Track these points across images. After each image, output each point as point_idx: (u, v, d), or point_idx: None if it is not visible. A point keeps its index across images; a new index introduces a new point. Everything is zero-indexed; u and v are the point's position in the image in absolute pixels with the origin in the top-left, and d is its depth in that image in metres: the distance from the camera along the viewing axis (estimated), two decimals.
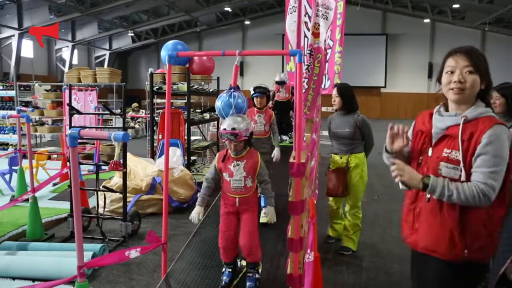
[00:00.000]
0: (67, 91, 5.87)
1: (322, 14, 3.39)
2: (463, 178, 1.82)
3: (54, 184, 6.97)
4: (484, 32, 25.23)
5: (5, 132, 10.99)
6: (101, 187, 4.96)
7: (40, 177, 6.88)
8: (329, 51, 4.78)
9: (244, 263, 3.29)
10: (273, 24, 27.65)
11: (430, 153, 1.95)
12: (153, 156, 7.12)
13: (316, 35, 3.38)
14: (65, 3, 17.90)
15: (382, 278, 3.80)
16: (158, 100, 9.73)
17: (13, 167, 6.68)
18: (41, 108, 11.84)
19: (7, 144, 11.32)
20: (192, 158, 7.29)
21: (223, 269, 3.15)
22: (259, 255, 3.09)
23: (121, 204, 4.82)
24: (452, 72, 1.89)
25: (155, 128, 7.50)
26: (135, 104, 17.73)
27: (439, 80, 2.02)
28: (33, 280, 3.58)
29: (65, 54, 24.03)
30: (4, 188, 6.64)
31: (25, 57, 20.54)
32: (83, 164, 5.37)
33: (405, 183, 1.89)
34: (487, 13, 20.77)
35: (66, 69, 21.79)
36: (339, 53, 4.97)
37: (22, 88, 12.75)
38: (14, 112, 6.43)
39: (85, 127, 6.81)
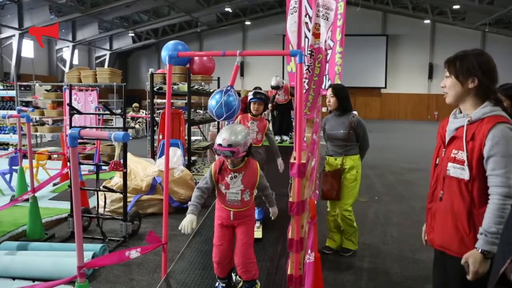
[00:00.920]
0: (67, 91, 5.87)
1: (323, 15, 3.39)
2: (467, 177, 1.88)
3: (55, 184, 6.97)
4: (484, 33, 25.26)
5: (6, 132, 10.99)
6: (101, 187, 4.95)
7: (41, 177, 6.88)
8: (329, 51, 4.78)
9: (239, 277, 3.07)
10: (273, 25, 27.68)
11: (443, 154, 2.05)
12: (153, 156, 7.12)
13: (316, 35, 3.38)
14: (66, 3, 17.93)
15: (383, 279, 3.80)
16: (159, 100, 9.72)
17: (13, 167, 6.68)
18: (41, 108, 11.84)
19: (7, 144, 11.32)
20: (193, 158, 7.29)
21: (217, 284, 2.95)
22: (255, 272, 2.85)
23: (121, 204, 4.82)
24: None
25: (155, 128, 7.50)
26: (135, 104, 17.74)
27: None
28: (33, 280, 3.58)
29: (66, 54, 24.06)
30: (4, 188, 6.63)
31: (25, 57, 20.57)
32: (83, 164, 5.37)
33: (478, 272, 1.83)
34: (487, 14, 20.79)
35: (66, 69, 21.81)
36: (340, 54, 4.97)
37: (22, 88, 12.75)
38: (14, 112, 6.44)
39: (85, 127, 6.82)
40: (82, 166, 5.70)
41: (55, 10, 19.60)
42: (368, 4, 25.57)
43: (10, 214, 5.21)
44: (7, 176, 6.79)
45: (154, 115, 7.43)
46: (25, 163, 5.92)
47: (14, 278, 3.63)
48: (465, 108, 2.00)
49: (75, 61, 24.67)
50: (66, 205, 5.27)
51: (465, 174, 1.89)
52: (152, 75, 7.07)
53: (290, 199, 2.54)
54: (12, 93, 12.31)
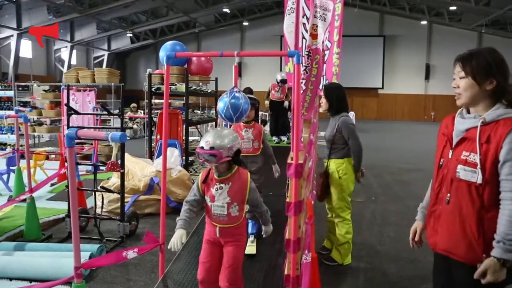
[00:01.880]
0: (65, 92, 5.87)
1: (320, 16, 3.40)
2: (479, 181, 1.80)
3: (52, 185, 6.96)
4: (481, 34, 25.34)
5: (3, 132, 10.98)
6: (99, 188, 4.95)
7: (38, 177, 6.87)
8: (327, 52, 4.79)
9: None
10: (271, 26, 27.71)
11: (450, 155, 1.95)
12: (151, 156, 7.12)
13: (314, 36, 3.39)
14: (64, 4, 17.91)
15: (380, 279, 3.81)
16: (157, 101, 9.73)
17: (11, 167, 6.67)
18: (39, 108, 11.83)
19: (5, 144, 11.30)
20: (190, 158, 7.29)
21: None
22: None
23: (119, 204, 4.82)
24: (454, 79, 1.96)
25: (153, 129, 7.50)
26: (133, 105, 17.73)
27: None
28: (30, 280, 3.57)
29: (64, 54, 24.03)
30: (1, 188, 6.63)
31: (23, 57, 20.54)
32: (81, 164, 5.38)
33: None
34: (484, 15, 20.87)
35: (64, 70, 21.79)
36: (337, 54, 4.98)
37: (20, 88, 12.76)
38: (12, 112, 6.43)
39: (83, 128, 6.81)
40: (80, 166, 5.71)
41: (53, 10, 19.58)
42: (366, 5, 25.62)
43: (8, 214, 5.21)
44: (5, 176, 6.78)
45: (152, 115, 7.43)
46: (23, 163, 5.92)
47: (11, 279, 3.63)
48: (477, 109, 1.91)
49: (73, 61, 24.64)
50: (63, 205, 5.27)
51: (477, 178, 1.80)
52: (150, 75, 7.07)
53: (287, 200, 2.54)
54: (10, 93, 12.30)
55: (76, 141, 5.35)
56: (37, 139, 12.54)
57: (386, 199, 6.72)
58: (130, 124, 15.88)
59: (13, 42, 19.06)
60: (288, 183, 2.59)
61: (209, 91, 8.40)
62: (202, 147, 2.37)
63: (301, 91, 2.98)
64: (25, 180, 5.36)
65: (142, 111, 16.78)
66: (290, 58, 4.38)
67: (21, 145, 7.16)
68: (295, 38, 2.93)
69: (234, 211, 2.49)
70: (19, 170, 5.77)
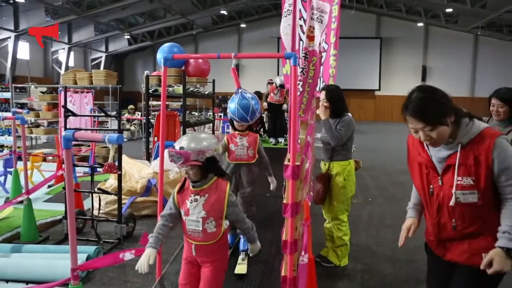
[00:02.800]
0: (62, 93, 5.86)
1: (317, 18, 3.42)
2: (478, 199, 1.86)
3: (49, 186, 6.95)
4: (477, 36, 25.43)
5: (0, 134, 10.95)
6: (96, 189, 4.95)
7: (35, 179, 6.86)
8: (324, 54, 4.81)
9: None
10: (268, 27, 27.74)
11: (441, 183, 1.96)
12: (148, 158, 7.12)
13: (311, 38, 3.41)
14: (62, 5, 17.88)
15: (376, 280, 3.82)
16: (154, 102, 9.72)
17: (8, 169, 6.66)
18: (36, 110, 11.81)
19: (2, 146, 11.27)
20: None
21: None
22: None
23: (116, 206, 4.82)
24: (416, 132, 1.90)
25: (150, 130, 7.50)
26: (131, 106, 17.71)
27: None
28: (27, 282, 3.57)
29: (61, 56, 24.00)
30: None
31: (21, 59, 20.50)
32: (78, 166, 5.37)
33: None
34: (480, 17, 20.95)
35: (62, 71, 21.75)
36: (334, 56, 4.99)
37: (17, 90, 12.71)
38: (9, 114, 6.42)
39: (80, 129, 6.80)
40: (77, 168, 5.70)
41: (51, 12, 19.55)
42: (362, 7, 25.68)
43: (5, 216, 5.20)
44: (2, 178, 6.77)
45: (149, 117, 7.43)
46: (20, 165, 5.91)
47: (7, 281, 3.62)
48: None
49: (71, 63, 24.60)
50: (60, 207, 5.26)
51: (478, 197, 1.86)
52: (147, 77, 7.07)
53: (284, 201, 2.55)
54: (7, 95, 12.27)
55: (74, 142, 5.35)
56: (35, 141, 12.51)
57: (383, 201, 6.74)
58: (127, 126, 15.87)
59: (10, 43, 19.02)
60: (285, 185, 2.60)
61: (206, 92, 8.41)
62: (173, 147, 2.22)
63: (298, 93, 2.99)
64: (22, 182, 5.36)
65: (139, 113, 16.76)
66: (287, 60, 4.40)
67: (18, 147, 7.13)
68: (291, 40, 2.94)
69: (211, 227, 2.23)
70: (16, 172, 5.76)
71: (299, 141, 3.10)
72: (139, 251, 2.97)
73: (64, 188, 4.19)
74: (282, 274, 2.64)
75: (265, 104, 9.64)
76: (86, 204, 5.44)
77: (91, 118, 8.92)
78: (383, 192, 7.35)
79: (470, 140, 1.86)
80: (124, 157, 5.41)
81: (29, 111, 10.76)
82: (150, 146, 7.29)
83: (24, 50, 21.52)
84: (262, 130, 10.45)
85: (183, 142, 2.18)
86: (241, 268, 3.40)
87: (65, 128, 4.66)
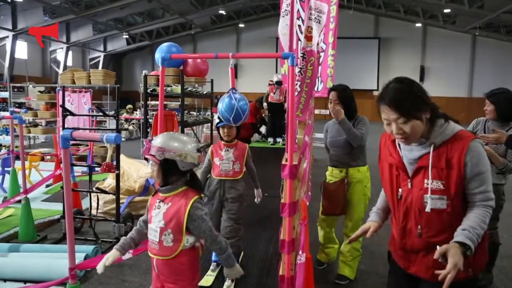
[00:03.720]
0: (60, 93, 5.86)
1: (315, 18, 3.43)
2: (446, 206, 1.77)
3: (47, 186, 6.94)
4: (475, 37, 25.49)
5: None
6: (94, 189, 4.95)
7: (33, 179, 6.85)
8: (322, 54, 4.82)
9: None
10: (267, 27, 27.74)
11: (409, 186, 1.86)
12: (146, 158, 7.11)
13: (309, 38, 3.41)
14: (60, 5, 17.87)
15: (374, 279, 3.83)
16: (152, 102, 9.73)
17: (6, 168, 6.65)
18: (34, 109, 11.79)
19: (0, 145, 11.27)
20: None
21: None
22: None
23: (114, 205, 4.82)
24: (388, 124, 1.82)
25: (149, 130, 7.50)
26: (129, 106, 17.70)
27: None
28: (25, 281, 3.57)
29: (60, 55, 23.96)
30: None
31: (19, 59, 20.47)
32: (76, 165, 5.37)
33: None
34: (477, 18, 21.00)
35: (60, 71, 21.73)
36: (332, 56, 5.01)
37: (15, 89, 12.70)
38: (7, 113, 6.42)
39: (78, 129, 6.80)
40: (75, 168, 5.69)
41: (49, 11, 19.53)
42: (361, 7, 25.71)
43: (3, 216, 5.19)
44: (0, 178, 6.76)
45: (148, 116, 7.43)
46: (18, 164, 5.90)
47: (5, 280, 3.62)
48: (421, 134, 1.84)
49: (69, 63, 24.57)
50: (58, 207, 5.26)
51: (446, 203, 1.76)
52: (145, 77, 7.07)
53: (282, 200, 2.56)
54: (5, 94, 12.27)
55: (72, 142, 5.34)
56: (33, 140, 12.50)
57: None
58: (125, 126, 15.86)
59: (8, 43, 18.99)
60: (282, 184, 2.60)
61: (204, 92, 8.41)
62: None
63: (296, 93, 3.00)
64: (20, 182, 5.36)
65: (138, 113, 16.76)
66: (285, 60, 4.40)
67: (16, 146, 7.14)
68: (289, 40, 2.95)
69: (167, 240, 2.02)
70: (14, 171, 5.76)
71: (296, 141, 3.11)
72: (137, 250, 2.97)
73: (62, 187, 4.20)
74: (280, 273, 2.65)
75: (265, 104, 9.66)
76: (84, 204, 5.44)
77: (89, 118, 8.91)
78: (380, 191, 7.35)
79: (443, 141, 1.78)
80: (122, 156, 5.41)
81: (27, 111, 10.77)
82: None
83: (22, 50, 21.49)
84: (262, 129, 10.46)
85: (160, 136, 2.10)
86: (206, 280, 3.20)
87: (63, 128, 4.66)
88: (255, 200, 3.54)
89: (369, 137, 3.65)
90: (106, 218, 4.97)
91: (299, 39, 3.42)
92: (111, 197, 5.21)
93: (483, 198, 1.76)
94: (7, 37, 18.91)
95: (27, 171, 6.57)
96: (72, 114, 5.03)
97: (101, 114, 5.08)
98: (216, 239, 2.08)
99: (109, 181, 5.79)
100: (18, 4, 18.27)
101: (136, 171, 5.90)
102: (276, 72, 23.69)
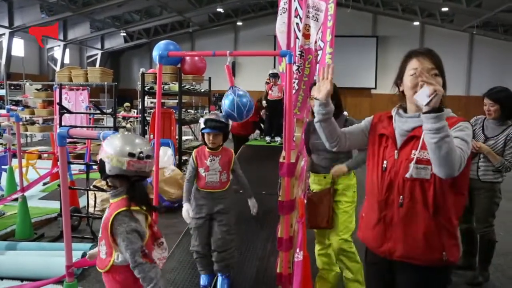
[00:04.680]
0: (58, 91, 5.84)
1: (313, 16, 3.42)
2: (429, 176, 1.77)
3: (45, 184, 6.93)
4: (472, 35, 25.53)
5: None
6: (91, 187, 4.94)
7: (30, 177, 6.84)
8: (319, 52, 4.81)
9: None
10: (265, 25, 27.70)
11: (396, 156, 1.87)
12: None
13: (306, 36, 3.42)
14: (57, 2, 17.80)
15: None
16: (150, 100, 9.71)
17: (3, 167, 6.62)
18: (31, 107, 11.76)
19: None
20: (184, 157, 7.28)
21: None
22: None
23: None
24: (417, 75, 1.78)
25: (146, 128, 7.50)
26: (127, 104, 17.67)
27: (397, 83, 2.01)
28: (22, 280, 3.57)
29: (57, 53, 23.87)
30: None
31: (15, 56, 20.38)
32: (73, 163, 5.36)
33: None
34: (475, 17, 21.04)
35: (57, 68, 21.65)
36: (330, 55, 4.98)
37: (12, 87, 12.66)
38: (4, 111, 6.39)
39: (76, 127, 6.79)
40: (73, 166, 5.69)
41: (46, 9, 19.44)
42: (359, 6, 25.71)
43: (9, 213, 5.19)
44: None
45: (145, 114, 7.42)
46: (15, 162, 5.88)
47: (2, 278, 3.62)
48: (413, 108, 1.89)
49: (66, 60, 24.48)
50: (56, 205, 5.26)
51: (430, 174, 1.75)
52: (143, 74, 7.06)
53: (280, 198, 2.57)
54: (1, 92, 12.22)
55: (69, 140, 5.33)
56: (30, 138, 12.47)
57: None
58: (123, 123, 15.83)
59: (5, 40, 18.91)
60: (280, 182, 2.61)
61: (202, 90, 8.40)
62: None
63: (294, 91, 3.00)
64: (17, 180, 5.35)
65: (135, 111, 16.73)
66: (283, 58, 4.40)
67: (13, 144, 7.12)
68: (286, 38, 2.95)
69: (102, 252, 1.91)
70: (11, 169, 5.74)
71: (294, 138, 3.11)
72: None
73: (59, 185, 4.19)
74: (278, 271, 2.66)
75: (264, 102, 9.59)
76: (82, 202, 5.43)
77: (86, 116, 8.90)
78: None
79: None
80: None
81: (24, 108, 10.72)
82: None
83: (18, 47, 21.40)
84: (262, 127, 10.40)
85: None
86: None
87: (60, 126, 4.65)
88: (251, 211, 3.18)
89: None
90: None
91: (297, 37, 3.42)
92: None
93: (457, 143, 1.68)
94: (4, 34, 18.83)
95: (24, 169, 6.55)
96: (69, 112, 5.02)
97: (98, 112, 5.07)
98: (137, 266, 1.78)
99: None
100: (15, 1, 18.19)
101: None
102: (274, 67, 23.63)
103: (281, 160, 2.55)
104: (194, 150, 3.17)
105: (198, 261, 3.08)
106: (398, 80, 2.00)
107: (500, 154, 3.46)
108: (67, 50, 24.24)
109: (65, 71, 9.09)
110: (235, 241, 3.11)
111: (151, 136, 7.03)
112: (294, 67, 3.27)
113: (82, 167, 7.57)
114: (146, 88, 7.13)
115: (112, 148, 1.85)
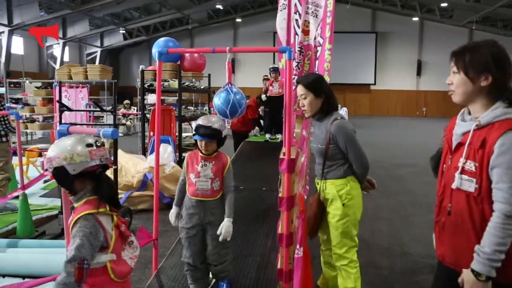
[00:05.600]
0: (57, 88, 5.84)
1: (312, 12, 3.43)
2: (475, 190, 1.66)
3: (45, 181, 6.93)
4: (472, 31, 25.51)
5: None
6: None
7: (31, 174, 6.84)
8: (319, 48, 4.81)
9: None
10: (264, 22, 27.68)
11: (450, 162, 1.78)
12: (144, 153, 7.12)
13: (306, 32, 3.42)
14: (56, 0, 17.76)
15: (372, 272, 3.85)
16: (150, 96, 9.70)
17: None
18: (31, 105, 11.75)
19: None
20: (184, 154, 7.29)
21: None
22: None
23: None
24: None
25: (146, 125, 7.50)
26: (126, 101, 17.67)
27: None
28: (23, 277, 3.57)
29: (56, 51, 23.85)
30: None
31: (15, 54, 20.36)
32: None
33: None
34: (474, 12, 21.02)
35: (57, 66, 21.63)
36: (329, 51, 4.98)
37: (12, 85, 12.64)
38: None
39: (76, 124, 6.79)
40: None
41: (45, 6, 19.41)
42: (358, 2, 25.69)
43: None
44: None
45: (145, 111, 7.42)
46: (15, 160, 5.89)
47: (3, 275, 3.62)
48: (475, 109, 1.72)
49: (66, 58, 24.47)
50: (56, 202, 5.27)
51: (474, 187, 1.64)
52: (142, 72, 7.06)
53: (280, 195, 2.57)
54: (1, 90, 12.20)
55: None
56: (30, 136, 12.47)
57: (378, 194, 6.76)
58: (123, 121, 15.83)
59: (4, 38, 18.89)
60: (280, 178, 2.61)
61: (202, 87, 8.40)
62: None
63: (294, 87, 3.00)
64: (18, 177, 5.35)
65: (135, 108, 16.73)
66: (283, 54, 4.40)
67: (13, 142, 7.13)
68: (286, 34, 2.95)
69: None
70: (11, 167, 5.75)
71: (294, 135, 3.12)
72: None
73: None
74: (278, 267, 2.66)
75: (263, 96, 9.54)
76: None
77: (86, 113, 8.90)
78: (378, 186, 7.32)
79: (488, 122, 1.63)
80: (120, 152, 5.41)
81: (24, 106, 10.72)
82: (146, 141, 7.28)
83: (18, 45, 21.38)
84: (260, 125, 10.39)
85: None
86: None
87: (60, 123, 4.65)
88: (217, 232, 2.65)
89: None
90: None
91: (296, 33, 3.42)
92: None
93: (500, 198, 1.59)
94: (3, 32, 18.81)
95: (24, 167, 6.56)
96: (69, 109, 5.02)
97: (98, 109, 5.07)
98: (63, 273, 1.70)
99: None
100: (14, 0, 18.17)
101: (134, 166, 5.90)
102: (274, 63, 23.64)
103: (281, 156, 2.56)
104: (187, 153, 2.95)
105: (188, 274, 2.84)
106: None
107: None
108: (67, 48, 24.22)
109: (65, 69, 9.06)
110: (230, 254, 2.89)
111: (151, 133, 7.03)
112: (294, 63, 3.27)
113: None
114: (146, 85, 7.13)
115: (64, 150, 1.77)
